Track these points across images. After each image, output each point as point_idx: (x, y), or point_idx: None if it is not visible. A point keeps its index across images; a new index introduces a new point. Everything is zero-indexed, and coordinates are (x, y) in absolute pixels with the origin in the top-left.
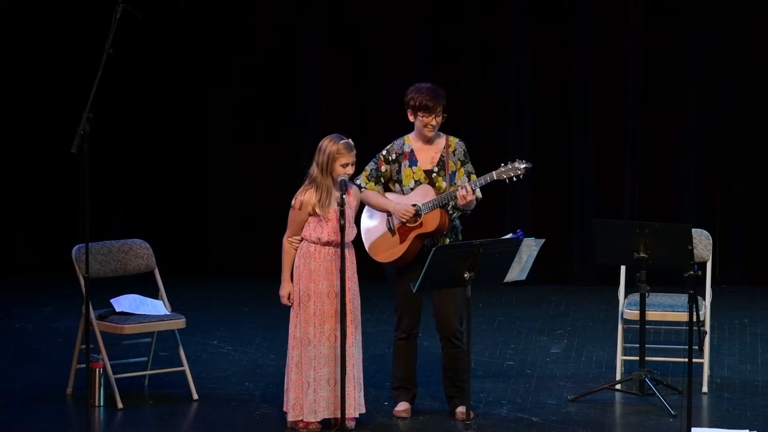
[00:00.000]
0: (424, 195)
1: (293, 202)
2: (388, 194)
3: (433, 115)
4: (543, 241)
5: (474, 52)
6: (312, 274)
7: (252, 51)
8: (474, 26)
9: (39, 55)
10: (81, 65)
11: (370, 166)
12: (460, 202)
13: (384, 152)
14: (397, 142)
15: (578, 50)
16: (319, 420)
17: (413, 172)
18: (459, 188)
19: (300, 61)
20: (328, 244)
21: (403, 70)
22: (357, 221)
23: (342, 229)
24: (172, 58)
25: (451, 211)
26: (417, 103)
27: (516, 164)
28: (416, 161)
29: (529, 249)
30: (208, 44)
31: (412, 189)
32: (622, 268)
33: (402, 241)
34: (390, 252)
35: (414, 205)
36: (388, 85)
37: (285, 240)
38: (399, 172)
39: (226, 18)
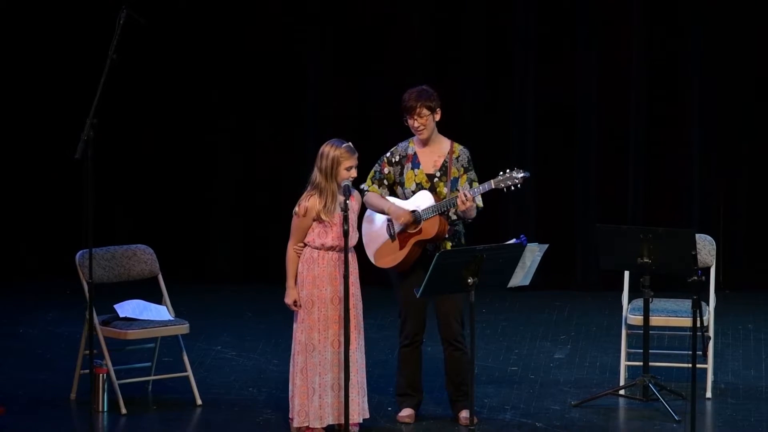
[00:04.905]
0: (423, 201)
1: (296, 209)
2: (389, 198)
3: (415, 117)
4: (546, 246)
5: (476, 55)
6: (316, 279)
7: (255, 57)
8: (476, 27)
9: (42, 61)
10: (85, 71)
11: (374, 169)
12: (460, 207)
13: (388, 154)
14: (402, 145)
15: (581, 54)
16: (324, 426)
17: (415, 175)
18: (458, 194)
19: (303, 67)
20: (331, 249)
21: (406, 75)
22: (359, 226)
23: (345, 234)
24: (176, 63)
25: (453, 217)
26: (402, 106)
27: (514, 173)
28: (419, 164)
29: (533, 254)
30: (211, 50)
31: (413, 192)
32: (626, 274)
33: (402, 247)
34: (390, 258)
35: (413, 211)
36: (391, 90)
37: (289, 248)
38: (401, 174)
39: (229, 23)
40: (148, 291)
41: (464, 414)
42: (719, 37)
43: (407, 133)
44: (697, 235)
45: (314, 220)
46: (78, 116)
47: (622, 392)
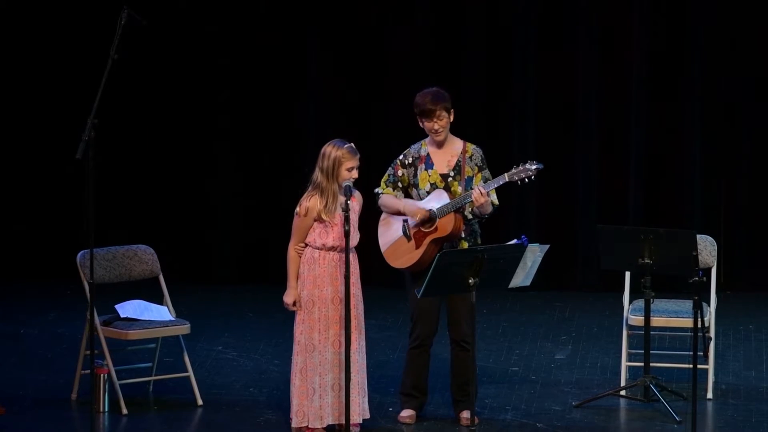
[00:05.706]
0: (438, 199)
1: (297, 209)
2: (403, 199)
3: (435, 119)
4: (547, 246)
5: (477, 55)
6: (316, 279)
7: (255, 56)
8: (476, 27)
9: (43, 61)
10: (86, 71)
11: (387, 172)
12: (475, 203)
13: (401, 157)
14: (414, 147)
15: (581, 54)
16: (324, 426)
17: (429, 176)
18: (473, 190)
19: (303, 67)
20: (332, 249)
21: (407, 75)
22: (361, 227)
23: (347, 234)
24: (176, 63)
25: (469, 216)
26: (419, 110)
27: (527, 165)
28: (432, 164)
29: (534, 255)
30: (211, 50)
31: (428, 192)
32: (627, 274)
33: (418, 246)
34: (406, 258)
35: (429, 210)
36: (392, 92)
37: (291, 248)
38: (415, 175)
39: (229, 23)
40: (148, 291)
41: (465, 414)
42: (719, 37)
43: (407, 133)
44: (698, 236)
45: (315, 220)
46: (79, 116)
47: (623, 393)
